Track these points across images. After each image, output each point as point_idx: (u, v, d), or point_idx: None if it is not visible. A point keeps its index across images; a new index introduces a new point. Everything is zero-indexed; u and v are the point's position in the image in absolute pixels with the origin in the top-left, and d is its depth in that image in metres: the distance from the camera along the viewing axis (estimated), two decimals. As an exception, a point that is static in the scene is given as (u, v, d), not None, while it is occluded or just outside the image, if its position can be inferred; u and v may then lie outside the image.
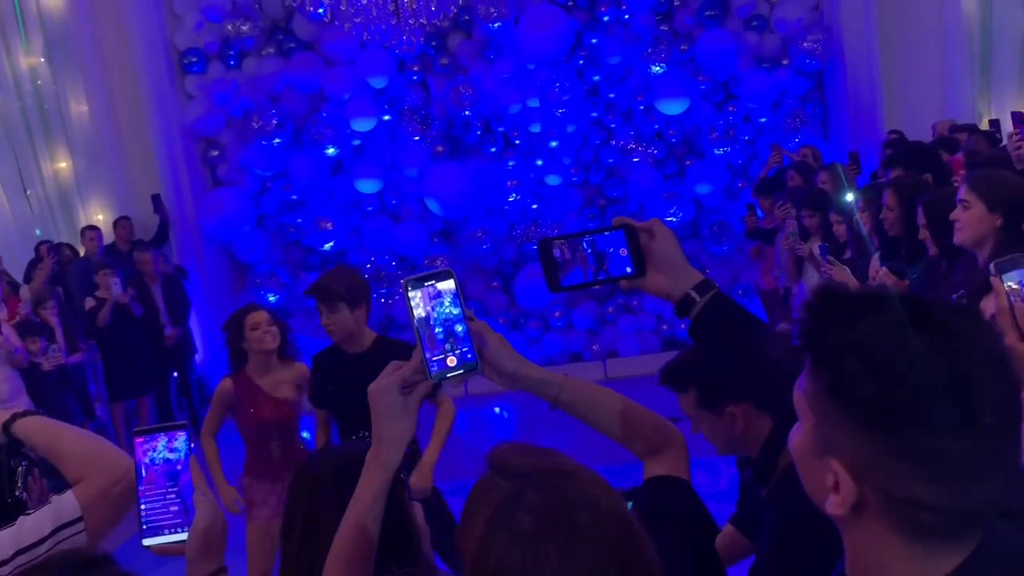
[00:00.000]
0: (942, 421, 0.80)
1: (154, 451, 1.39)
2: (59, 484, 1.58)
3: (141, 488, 1.38)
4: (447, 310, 1.27)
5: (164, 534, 1.37)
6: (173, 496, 1.38)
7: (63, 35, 8.32)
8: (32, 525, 1.48)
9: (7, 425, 1.63)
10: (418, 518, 1.58)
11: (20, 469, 1.65)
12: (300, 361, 4.01)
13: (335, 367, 3.54)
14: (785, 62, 8.59)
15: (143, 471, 1.38)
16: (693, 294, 1.33)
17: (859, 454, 0.84)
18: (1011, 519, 0.90)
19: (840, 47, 8.26)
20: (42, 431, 1.63)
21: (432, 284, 1.27)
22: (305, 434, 4.61)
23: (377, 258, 8.78)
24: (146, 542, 1.37)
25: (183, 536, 1.36)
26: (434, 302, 1.27)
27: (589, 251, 1.35)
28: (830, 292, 0.89)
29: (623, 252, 1.35)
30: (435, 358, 1.26)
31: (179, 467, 1.38)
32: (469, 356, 1.27)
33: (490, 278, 8.93)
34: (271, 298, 8.61)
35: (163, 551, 1.38)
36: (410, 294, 1.27)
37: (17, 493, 1.65)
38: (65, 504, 1.52)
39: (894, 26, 8.09)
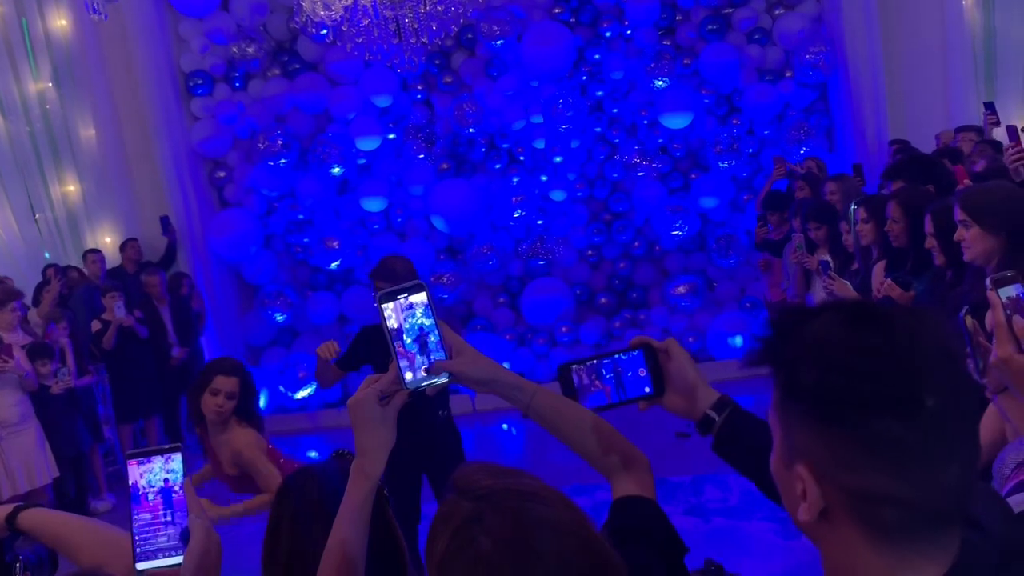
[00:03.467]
0: (886, 403, 0.82)
1: (150, 473, 1.38)
2: None
3: (135, 511, 1.37)
4: (419, 321, 1.31)
5: (159, 558, 1.36)
6: (168, 519, 1.37)
7: (70, 60, 8.40)
8: None
9: (11, 518, 1.63)
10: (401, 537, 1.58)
11: (18, 565, 1.64)
12: (251, 426, 3.55)
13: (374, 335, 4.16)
14: (788, 74, 8.60)
15: (137, 494, 1.37)
16: (712, 413, 1.37)
17: (817, 451, 0.86)
18: (982, 531, 0.90)
19: (843, 59, 8.25)
20: (48, 523, 1.63)
21: (404, 297, 1.32)
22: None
23: (384, 276, 8.78)
24: (140, 566, 1.36)
25: (178, 560, 1.35)
26: (406, 314, 1.31)
27: (609, 374, 1.40)
28: (788, 308, 0.93)
29: (642, 372, 1.40)
30: (409, 368, 1.30)
31: (175, 490, 1.37)
32: None
33: (497, 294, 8.92)
34: (279, 317, 8.63)
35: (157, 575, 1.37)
36: (383, 307, 1.31)
37: None
38: None
39: (897, 37, 8.07)
